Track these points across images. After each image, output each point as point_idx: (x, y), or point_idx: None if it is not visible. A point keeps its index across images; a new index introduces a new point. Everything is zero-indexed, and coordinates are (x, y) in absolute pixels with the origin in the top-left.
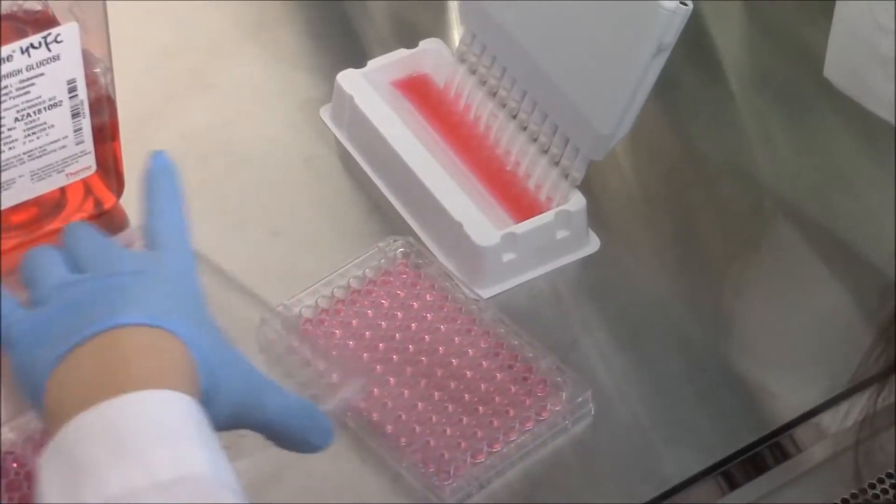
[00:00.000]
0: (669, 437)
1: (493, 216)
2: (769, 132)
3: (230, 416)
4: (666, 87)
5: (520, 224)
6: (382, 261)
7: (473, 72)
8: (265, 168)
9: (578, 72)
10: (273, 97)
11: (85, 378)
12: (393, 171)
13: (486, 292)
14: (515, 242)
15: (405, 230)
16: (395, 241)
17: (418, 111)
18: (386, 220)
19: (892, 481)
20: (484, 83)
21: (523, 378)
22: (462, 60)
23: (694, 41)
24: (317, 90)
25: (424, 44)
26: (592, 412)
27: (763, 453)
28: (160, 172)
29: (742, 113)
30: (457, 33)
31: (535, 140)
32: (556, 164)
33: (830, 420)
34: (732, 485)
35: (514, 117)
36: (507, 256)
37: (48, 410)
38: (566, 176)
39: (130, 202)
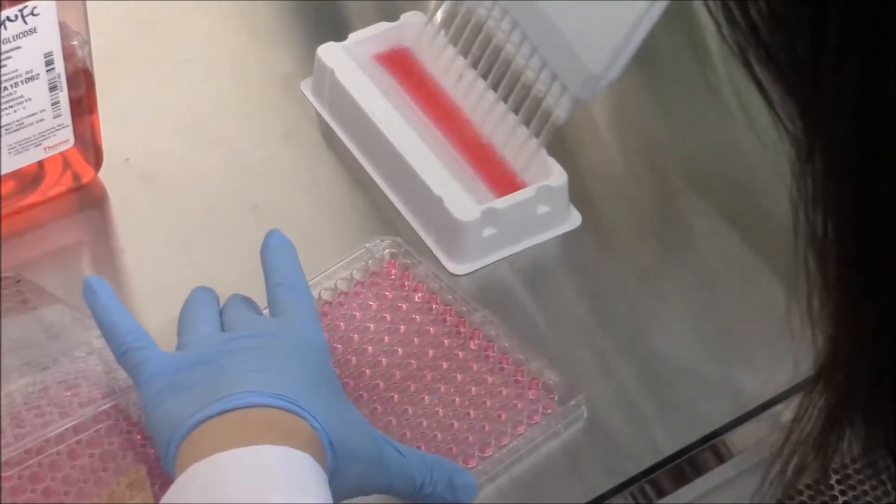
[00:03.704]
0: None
1: (475, 191)
2: (752, 107)
3: (353, 488)
4: (648, 61)
5: (500, 199)
6: (370, 261)
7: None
8: (244, 142)
9: (573, 7)
10: (252, 71)
11: (222, 442)
12: (374, 145)
13: (466, 267)
14: (496, 217)
15: (385, 204)
16: (382, 241)
17: (400, 85)
18: (367, 195)
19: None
20: (467, 46)
21: (514, 381)
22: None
23: (678, 15)
24: (296, 64)
25: (406, 17)
26: (585, 415)
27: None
28: (280, 247)
29: (725, 87)
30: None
31: (519, 78)
32: (540, 100)
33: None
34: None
35: (502, 50)
36: (488, 231)
37: (182, 458)
38: (548, 116)
39: (109, 176)
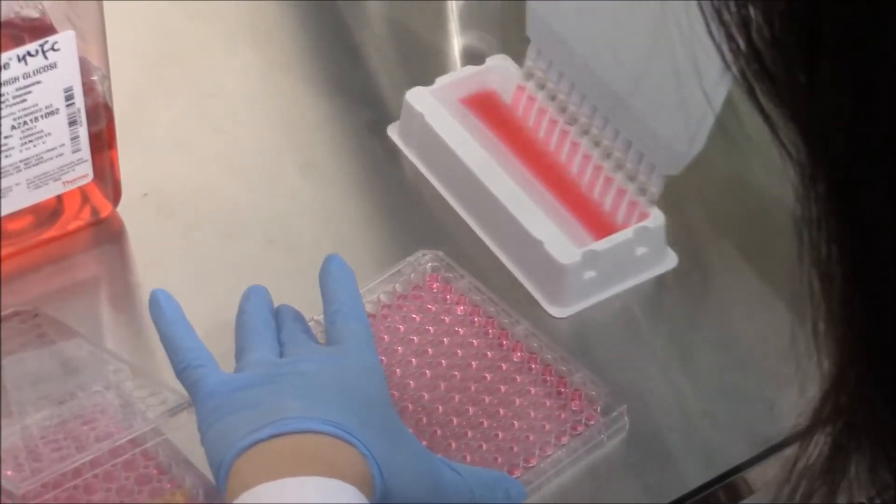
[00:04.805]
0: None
1: (571, 233)
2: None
3: None
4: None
5: (600, 241)
6: (412, 275)
7: (542, 87)
8: (263, 176)
9: (649, 88)
10: (271, 104)
11: (270, 468)
12: (467, 188)
13: (566, 311)
14: (596, 260)
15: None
16: (423, 255)
17: (487, 128)
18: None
19: None
20: (553, 98)
21: (557, 392)
22: (529, 76)
23: None
24: (318, 98)
25: (491, 61)
26: (627, 426)
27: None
28: (340, 273)
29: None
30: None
31: (608, 156)
32: (632, 179)
33: None
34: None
35: (587, 133)
36: (588, 274)
37: (232, 481)
38: (643, 192)
39: (127, 210)
